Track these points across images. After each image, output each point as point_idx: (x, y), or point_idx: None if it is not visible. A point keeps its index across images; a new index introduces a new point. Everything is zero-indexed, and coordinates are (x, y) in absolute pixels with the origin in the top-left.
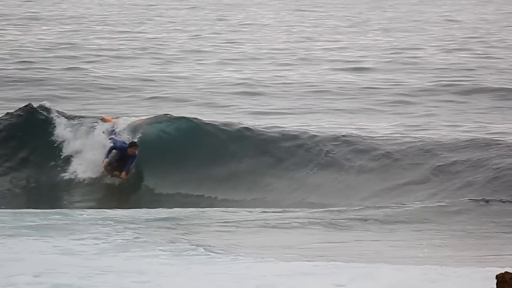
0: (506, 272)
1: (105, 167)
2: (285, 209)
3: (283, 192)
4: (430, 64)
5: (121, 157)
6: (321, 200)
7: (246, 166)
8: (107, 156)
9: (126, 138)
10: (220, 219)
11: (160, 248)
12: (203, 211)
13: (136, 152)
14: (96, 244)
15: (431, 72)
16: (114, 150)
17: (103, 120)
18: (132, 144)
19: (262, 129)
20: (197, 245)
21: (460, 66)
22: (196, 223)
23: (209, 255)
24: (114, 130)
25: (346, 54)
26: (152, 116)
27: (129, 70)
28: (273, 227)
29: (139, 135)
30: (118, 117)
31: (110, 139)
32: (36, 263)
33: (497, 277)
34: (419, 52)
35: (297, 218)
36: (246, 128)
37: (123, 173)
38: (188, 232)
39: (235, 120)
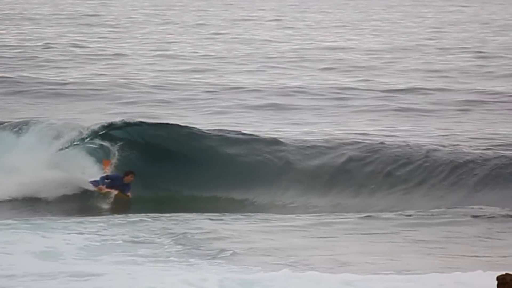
0: (506, 274)
1: (104, 192)
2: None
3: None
4: None
5: (115, 186)
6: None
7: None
8: (103, 183)
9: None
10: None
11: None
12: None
13: (132, 181)
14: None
15: None
16: (106, 180)
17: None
18: (129, 173)
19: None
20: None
21: None
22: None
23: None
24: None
25: None
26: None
27: None
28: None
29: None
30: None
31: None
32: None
33: (498, 278)
34: None
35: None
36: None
37: (129, 193)
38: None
39: None
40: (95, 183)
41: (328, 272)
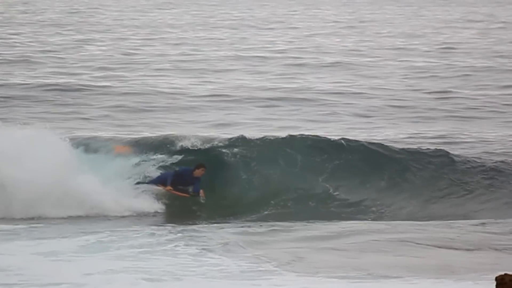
0: (505, 274)
1: (174, 191)
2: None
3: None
4: None
5: (184, 181)
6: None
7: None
8: (169, 183)
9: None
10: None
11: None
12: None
13: (203, 174)
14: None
15: None
16: (174, 176)
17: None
18: (200, 165)
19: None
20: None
21: None
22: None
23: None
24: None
25: None
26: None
27: None
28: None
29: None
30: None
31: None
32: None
33: (497, 279)
34: None
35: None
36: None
37: (201, 191)
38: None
39: None
40: (161, 180)
41: None
